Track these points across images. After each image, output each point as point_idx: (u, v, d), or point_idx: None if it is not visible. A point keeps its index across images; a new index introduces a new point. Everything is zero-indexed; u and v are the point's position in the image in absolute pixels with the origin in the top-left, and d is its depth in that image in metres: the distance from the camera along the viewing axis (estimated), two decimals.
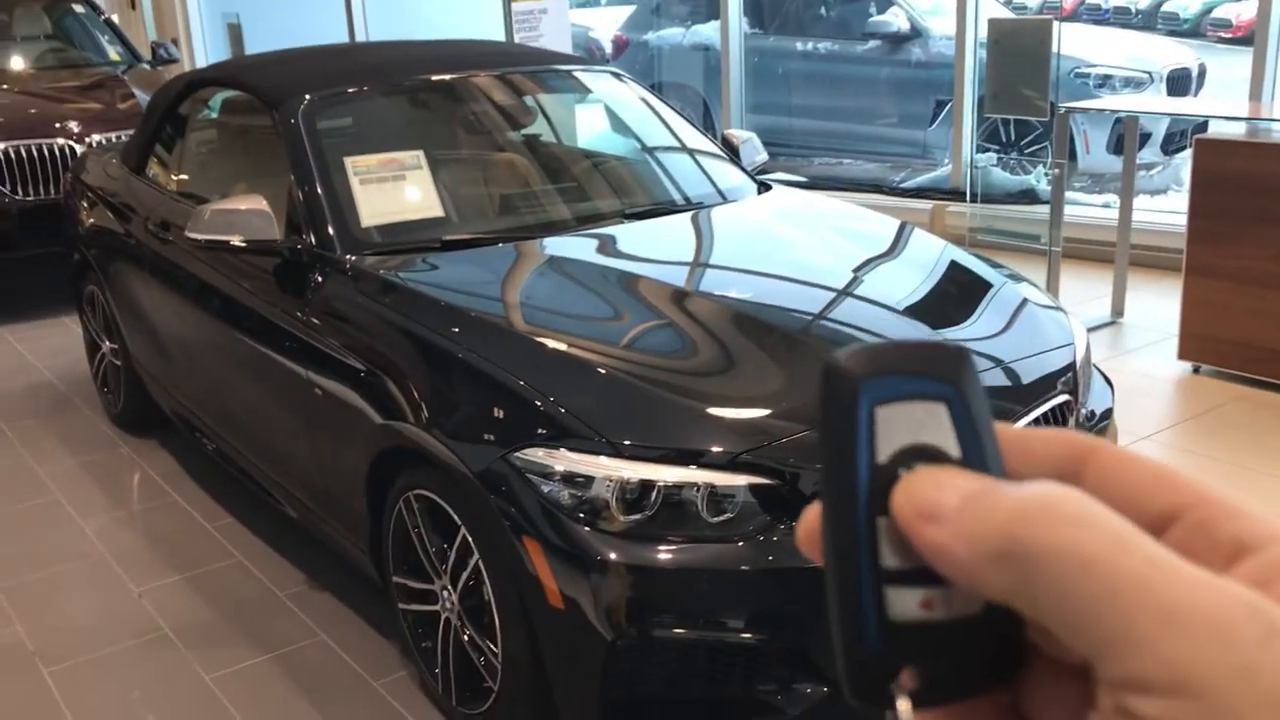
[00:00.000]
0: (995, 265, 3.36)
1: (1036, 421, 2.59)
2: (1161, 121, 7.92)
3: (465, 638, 2.59)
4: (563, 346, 2.62)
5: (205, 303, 3.58)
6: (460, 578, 2.56)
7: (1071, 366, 2.79)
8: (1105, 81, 8.07)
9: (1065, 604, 0.36)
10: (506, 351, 2.62)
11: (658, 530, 2.28)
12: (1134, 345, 5.26)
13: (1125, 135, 5.67)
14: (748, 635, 2.31)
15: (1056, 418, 2.66)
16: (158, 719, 2.79)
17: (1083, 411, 2.81)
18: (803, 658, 2.35)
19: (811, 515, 0.42)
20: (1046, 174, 6.46)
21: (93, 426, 4.69)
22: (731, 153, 4.07)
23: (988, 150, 8.00)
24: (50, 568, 3.56)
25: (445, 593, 2.63)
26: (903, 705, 0.39)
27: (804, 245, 3.36)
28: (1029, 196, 7.16)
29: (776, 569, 2.27)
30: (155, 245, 3.94)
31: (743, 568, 2.27)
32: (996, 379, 2.66)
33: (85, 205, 4.72)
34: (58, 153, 6.24)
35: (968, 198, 6.89)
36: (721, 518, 2.28)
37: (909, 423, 0.40)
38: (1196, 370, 4.86)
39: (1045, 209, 5.68)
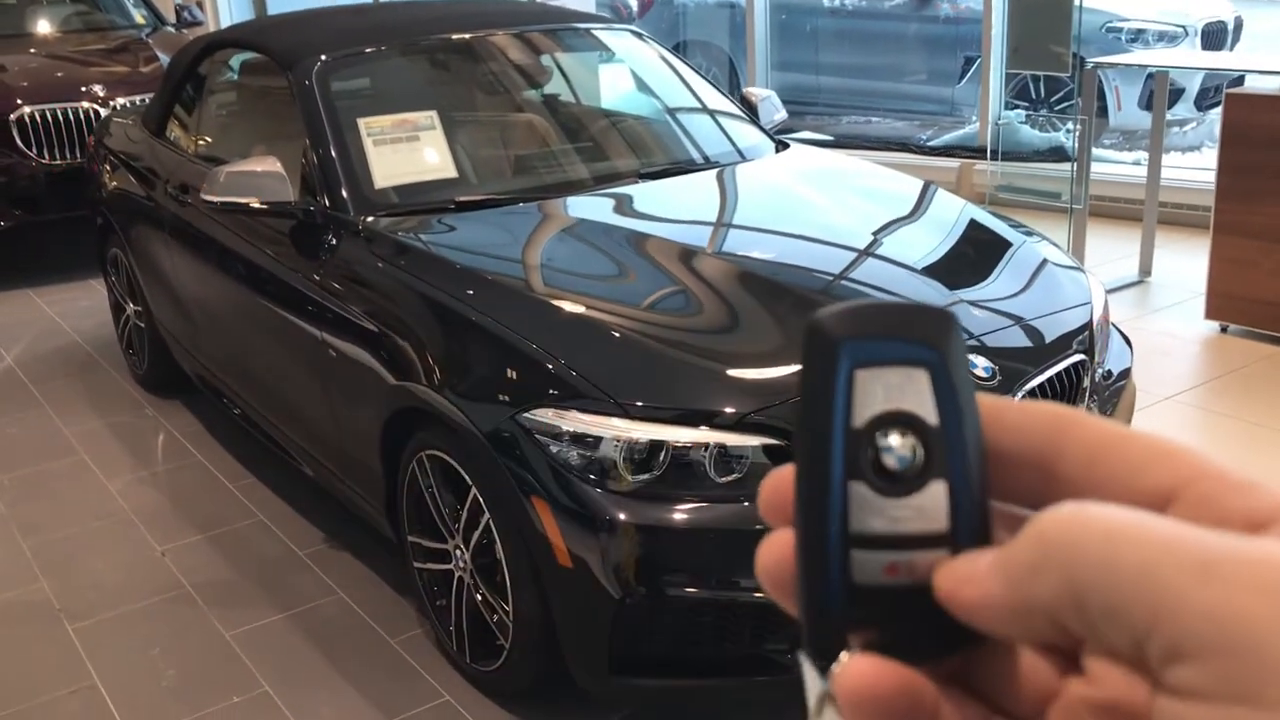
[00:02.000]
0: (1015, 224, 3.33)
1: (1051, 381, 2.57)
2: (1195, 76, 7.77)
3: (478, 596, 2.61)
4: (573, 307, 2.62)
5: (223, 265, 3.60)
6: (472, 537, 2.57)
7: (1088, 326, 2.76)
8: (1138, 36, 7.92)
9: (1102, 590, 0.34)
10: (517, 313, 2.62)
11: (666, 490, 2.28)
12: (1161, 305, 5.19)
13: (1155, 90, 5.57)
14: (756, 594, 2.31)
15: (1071, 377, 2.64)
16: (178, 675, 2.84)
17: (1099, 371, 2.78)
18: None
19: (776, 478, 0.42)
20: (1068, 130, 6.36)
21: (119, 388, 4.75)
22: (750, 111, 4.03)
23: (1017, 107, 7.89)
24: (76, 526, 3.62)
25: (458, 552, 2.65)
26: (844, 658, 0.39)
27: (820, 204, 3.33)
28: (1059, 154, 7.06)
29: None
30: (174, 208, 3.96)
31: (751, 527, 2.27)
32: (1011, 338, 2.64)
33: (108, 168, 4.74)
34: (83, 116, 6.27)
35: (988, 155, 6.80)
36: (730, 478, 2.29)
37: (887, 388, 0.40)
38: (1224, 330, 4.80)
39: (1072, 166, 5.59)
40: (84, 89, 6.44)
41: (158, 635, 3.01)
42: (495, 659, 2.59)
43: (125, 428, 4.38)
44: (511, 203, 3.20)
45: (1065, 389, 2.62)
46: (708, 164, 3.59)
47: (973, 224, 3.28)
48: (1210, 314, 4.81)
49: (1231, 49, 8.26)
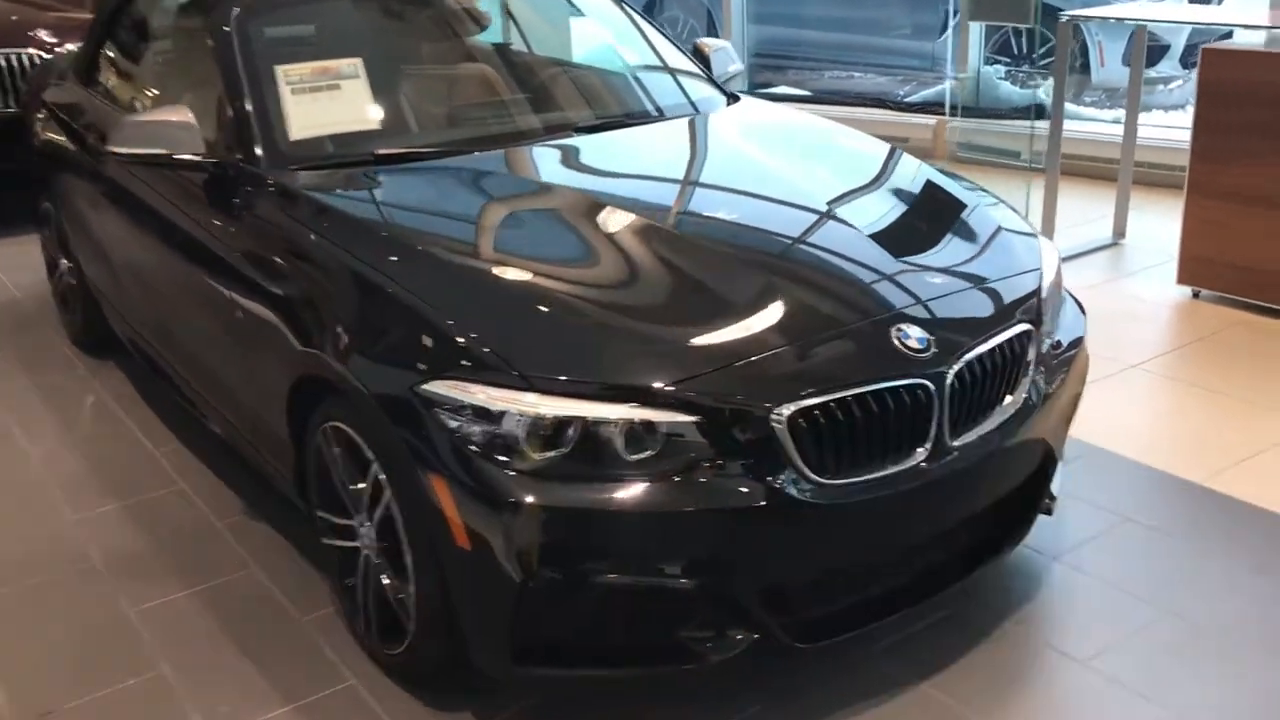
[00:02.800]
0: (972, 187, 3.15)
1: (992, 353, 2.41)
2: (1181, 33, 7.56)
3: (384, 576, 2.47)
4: (481, 271, 2.46)
5: (140, 220, 3.43)
6: (376, 514, 2.43)
7: (1034, 294, 2.60)
8: None
9: None
10: (426, 277, 2.45)
11: (573, 468, 2.13)
12: (1134, 268, 5.04)
13: (1134, 46, 5.38)
14: (666, 579, 2.17)
15: (1015, 349, 2.47)
16: (74, 654, 2.69)
17: (1047, 342, 2.62)
18: (729, 602, 2.22)
19: None
20: (1030, 85, 6.17)
21: (52, 347, 4.58)
22: (703, 63, 3.85)
23: (998, 63, 7.67)
24: None
25: (364, 529, 2.50)
26: None
27: (764, 161, 3.15)
28: (1039, 111, 6.86)
29: (698, 510, 2.12)
30: (97, 160, 3.77)
31: (662, 508, 2.12)
32: (952, 307, 2.47)
33: (39, 118, 4.54)
34: (28, 63, 6.04)
35: (947, 111, 6.60)
36: (642, 455, 2.13)
37: None
38: (1196, 295, 4.65)
39: (1045, 124, 5.41)
40: (31, 34, 6.21)
41: (57, 611, 2.86)
42: (402, 641, 2.45)
43: (54, 389, 4.21)
44: (437, 157, 3.02)
45: (1008, 360, 2.46)
46: (649, 117, 3.41)
47: (926, 186, 3.11)
48: (1182, 278, 4.66)
49: (1220, 3, 8.03)
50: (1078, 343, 2.79)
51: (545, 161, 3.06)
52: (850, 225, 2.71)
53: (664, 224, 2.69)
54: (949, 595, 2.52)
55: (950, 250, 2.72)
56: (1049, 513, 2.77)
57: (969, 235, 2.81)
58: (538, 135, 3.19)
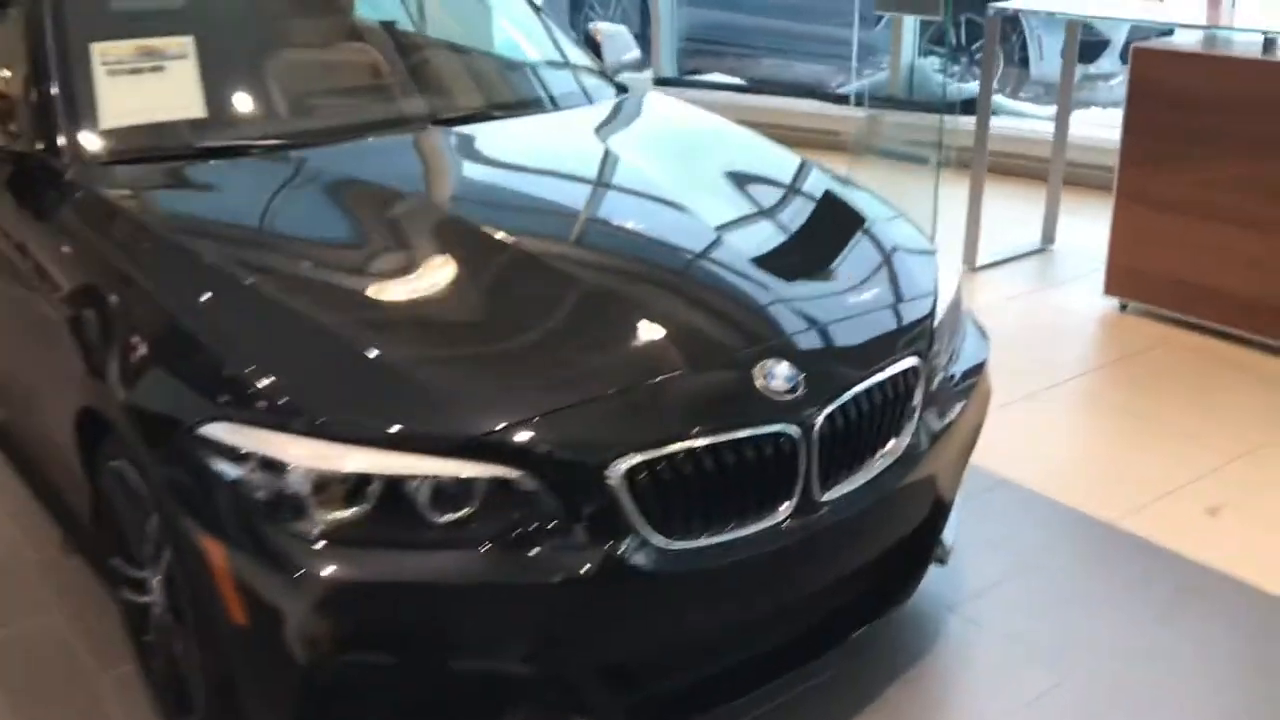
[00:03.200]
0: (869, 198, 2.84)
1: (870, 392, 2.12)
2: (1121, 28, 7.34)
3: (172, 639, 2.14)
4: (281, 295, 2.11)
5: None
6: (161, 570, 2.10)
7: (925, 322, 2.31)
8: None
9: None
10: (217, 299, 2.11)
11: (373, 533, 1.81)
12: (1061, 277, 4.79)
13: (1066, 41, 5.14)
14: (484, 662, 1.87)
15: (899, 386, 2.18)
16: None
17: (939, 375, 2.33)
18: (562, 686, 1.92)
19: None
20: (950, 78, 5.88)
21: None
22: (594, 50, 3.52)
23: (933, 53, 7.41)
24: None
25: (154, 583, 2.17)
26: None
27: (635, 164, 2.82)
28: (972, 106, 6.60)
29: (522, 582, 1.82)
30: None
31: (478, 580, 1.81)
32: (828, 341, 2.18)
33: None
34: None
35: (851, 101, 6.29)
36: (454, 516, 1.82)
37: None
38: (1124, 308, 4.41)
39: (961, 120, 5.13)
40: None
41: None
42: (192, 716, 2.12)
43: None
44: (269, 150, 2.68)
45: (891, 399, 2.17)
46: (517, 109, 3.08)
47: (817, 198, 2.80)
48: (1110, 289, 4.42)
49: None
50: (977, 370, 2.51)
51: (386, 160, 2.71)
52: (720, 243, 2.39)
53: (508, 240, 2.35)
54: (829, 659, 2.24)
55: (834, 274, 2.43)
56: (943, 562, 2.50)
57: (858, 257, 2.51)
58: (384, 128, 2.84)
